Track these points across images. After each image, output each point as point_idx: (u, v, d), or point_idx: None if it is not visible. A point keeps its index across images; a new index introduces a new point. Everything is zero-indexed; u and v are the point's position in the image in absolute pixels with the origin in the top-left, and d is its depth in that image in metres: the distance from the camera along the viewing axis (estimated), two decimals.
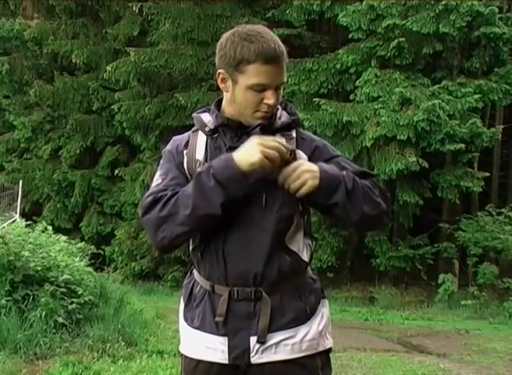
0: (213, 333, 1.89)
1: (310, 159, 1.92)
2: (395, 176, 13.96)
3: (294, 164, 1.81)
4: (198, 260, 1.94)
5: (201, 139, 1.96)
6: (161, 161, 2.00)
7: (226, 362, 1.88)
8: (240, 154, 1.79)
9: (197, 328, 1.93)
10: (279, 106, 1.98)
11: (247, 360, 1.87)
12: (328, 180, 1.81)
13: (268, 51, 1.82)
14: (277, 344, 1.88)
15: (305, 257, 1.95)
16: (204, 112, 2.01)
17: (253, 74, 1.84)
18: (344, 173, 1.86)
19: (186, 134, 2.02)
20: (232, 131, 1.92)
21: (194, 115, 2.02)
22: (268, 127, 1.91)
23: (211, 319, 1.89)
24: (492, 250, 14.58)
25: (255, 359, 1.87)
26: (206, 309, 1.91)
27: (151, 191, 1.91)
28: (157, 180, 1.94)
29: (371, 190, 1.89)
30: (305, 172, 1.79)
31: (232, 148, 1.87)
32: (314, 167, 1.81)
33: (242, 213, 1.85)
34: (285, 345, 1.88)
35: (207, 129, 1.95)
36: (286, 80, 1.92)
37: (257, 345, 1.86)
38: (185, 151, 1.96)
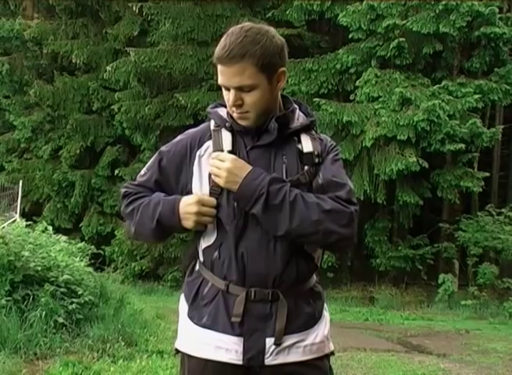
0: (227, 333, 1.85)
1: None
2: (395, 176, 13.96)
3: (228, 157, 1.84)
4: (214, 259, 1.89)
5: (226, 137, 1.93)
6: (156, 155, 1.99)
7: (240, 362, 1.85)
8: (181, 209, 1.85)
9: (207, 327, 1.88)
10: (296, 107, 1.98)
11: (260, 361, 1.86)
12: (245, 189, 1.81)
13: (220, 52, 1.83)
14: (290, 346, 1.87)
15: (318, 261, 1.97)
16: (220, 105, 1.99)
17: (218, 73, 1.87)
18: (278, 186, 1.80)
19: (202, 133, 1.98)
20: (252, 131, 1.91)
21: (210, 110, 2.00)
22: (285, 128, 1.91)
23: (226, 318, 1.86)
24: (492, 250, 14.59)
25: (269, 361, 1.86)
26: (219, 309, 1.87)
27: (132, 182, 2.01)
28: (143, 170, 2.01)
29: (330, 213, 1.81)
30: (229, 172, 1.81)
31: (254, 148, 1.89)
32: (238, 178, 1.81)
33: None
34: (297, 347, 1.88)
35: (228, 125, 1.93)
36: (251, 82, 1.82)
37: (273, 347, 1.85)
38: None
